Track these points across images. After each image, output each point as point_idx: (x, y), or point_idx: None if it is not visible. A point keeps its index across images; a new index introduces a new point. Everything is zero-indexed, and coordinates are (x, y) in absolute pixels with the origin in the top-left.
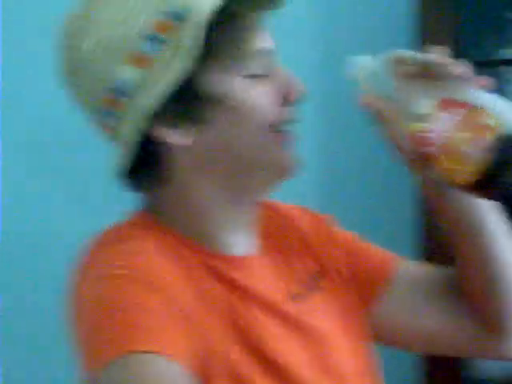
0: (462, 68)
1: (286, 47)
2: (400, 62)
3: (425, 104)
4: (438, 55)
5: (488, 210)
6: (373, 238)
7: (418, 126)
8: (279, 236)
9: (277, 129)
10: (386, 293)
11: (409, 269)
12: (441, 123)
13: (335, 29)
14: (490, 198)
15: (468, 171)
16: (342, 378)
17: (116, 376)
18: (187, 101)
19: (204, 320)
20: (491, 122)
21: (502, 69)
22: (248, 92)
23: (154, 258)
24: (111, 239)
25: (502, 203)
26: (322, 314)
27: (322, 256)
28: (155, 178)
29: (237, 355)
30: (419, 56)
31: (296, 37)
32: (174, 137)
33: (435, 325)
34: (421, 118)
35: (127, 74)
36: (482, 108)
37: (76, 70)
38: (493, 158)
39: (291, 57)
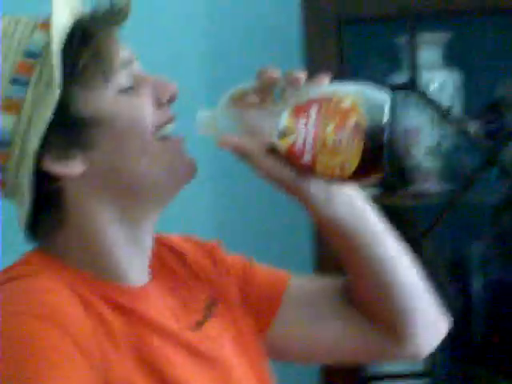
0: (293, 73)
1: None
2: (239, 96)
3: (280, 119)
4: (267, 74)
5: (372, 213)
6: (267, 257)
7: (284, 141)
8: (173, 268)
9: (161, 134)
10: (281, 313)
11: (302, 284)
12: (303, 128)
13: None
14: (373, 179)
15: (346, 160)
16: None
17: None
18: (66, 130)
19: (109, 355)
20: (348, 105)
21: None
22: (122, 105)
23: (51, 294)
24: (5, 278)
25: (385, 180)
26: (220, 340)
27: (215, 284)
28: (53, 218)
29: None
30: (253, 83)
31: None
32: (65, 169)
33: (333, 336)
34: (282, 132)
35: (1, 122)
36: (333, 96)
37: None
38: (364, 139)
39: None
